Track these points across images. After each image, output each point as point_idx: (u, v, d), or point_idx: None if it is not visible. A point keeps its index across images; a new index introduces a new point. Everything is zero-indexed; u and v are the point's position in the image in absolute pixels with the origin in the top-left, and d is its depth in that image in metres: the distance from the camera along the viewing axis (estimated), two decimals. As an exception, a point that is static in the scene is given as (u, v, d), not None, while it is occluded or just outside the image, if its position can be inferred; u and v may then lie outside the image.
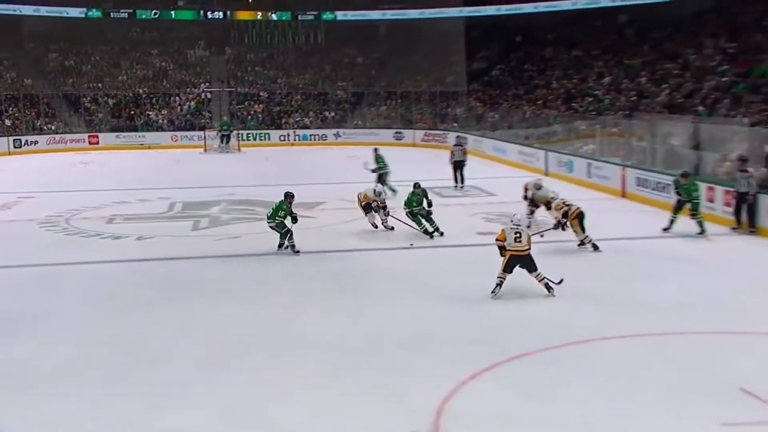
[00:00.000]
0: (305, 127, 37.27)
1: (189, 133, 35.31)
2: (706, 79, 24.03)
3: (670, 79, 25.90)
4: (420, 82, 38.55)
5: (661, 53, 28.68)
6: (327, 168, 27.11)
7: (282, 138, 35.95)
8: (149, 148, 33.83)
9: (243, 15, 41.01)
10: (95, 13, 38.66)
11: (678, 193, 13.74)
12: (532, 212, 14.43)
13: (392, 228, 15.17)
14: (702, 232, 13.32)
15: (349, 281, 11.40)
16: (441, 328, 9.10)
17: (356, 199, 15.16)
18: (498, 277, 9.53)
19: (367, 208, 14.30)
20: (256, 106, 38.68)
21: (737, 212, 14.21)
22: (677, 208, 13.68)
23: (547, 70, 34.47)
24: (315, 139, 36.09)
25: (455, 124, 34.53)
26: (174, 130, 35.95)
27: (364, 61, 41.86)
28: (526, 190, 14.90)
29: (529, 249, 9.61)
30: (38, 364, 8.35)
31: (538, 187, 14.39)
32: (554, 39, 36.81)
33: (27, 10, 37.87)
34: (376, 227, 14.72)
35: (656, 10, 31.11)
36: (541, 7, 35.61)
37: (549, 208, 13.68)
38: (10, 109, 35.37)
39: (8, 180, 23.97)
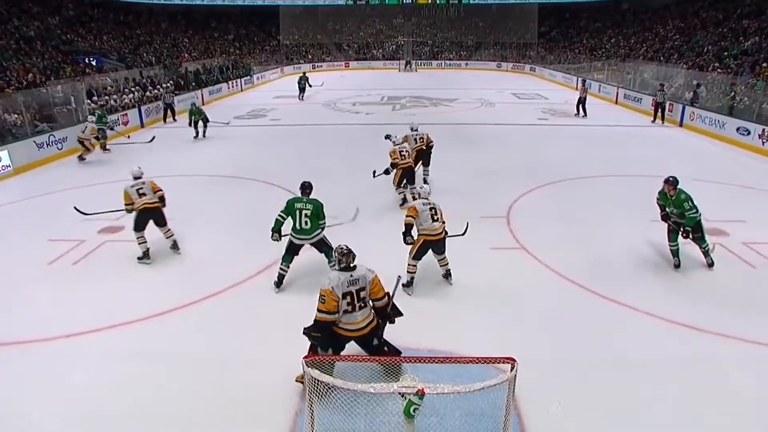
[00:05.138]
0: (450, 59, 39.69)
1: (390, 62, 39.28)
2: (665, 43, 25.23)
3: (644, 43, 27.34)
4: (504, 39, 40.19)
5: (648, 29, 28.40)
6: (461, 81, 28.24)
7: (437, 65, 38.91)
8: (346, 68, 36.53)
9: (422, 1, 42.44)
10: (349, 2, 41.91)
11: (663, 211, 6.28)
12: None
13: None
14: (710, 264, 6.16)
15: (474, 138, 11.55)
16: (511, 163, 10.04)
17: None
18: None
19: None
20: (425, 48, 41.41)
21: (655, 112, 15.40)
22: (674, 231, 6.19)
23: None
24: (454, 66, 38.65)
25: (530, 61, 35.69)
26: (383, 60, 40.24)
27: (483, 24, 42.52)
28: None
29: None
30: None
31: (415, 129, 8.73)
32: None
33: (321, 1, 42.31)
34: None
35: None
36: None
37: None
38: (311, 51, 41.18)
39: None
